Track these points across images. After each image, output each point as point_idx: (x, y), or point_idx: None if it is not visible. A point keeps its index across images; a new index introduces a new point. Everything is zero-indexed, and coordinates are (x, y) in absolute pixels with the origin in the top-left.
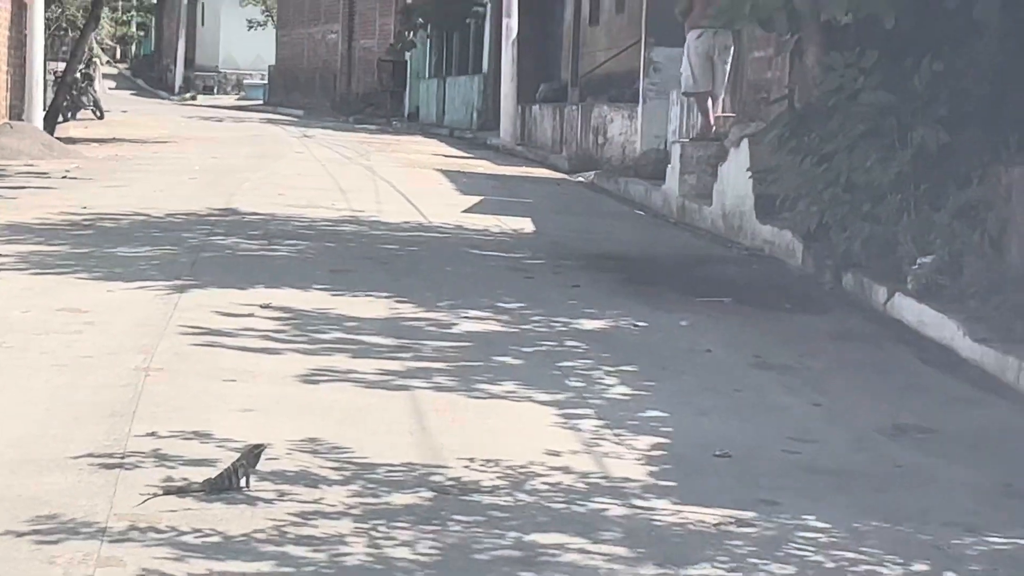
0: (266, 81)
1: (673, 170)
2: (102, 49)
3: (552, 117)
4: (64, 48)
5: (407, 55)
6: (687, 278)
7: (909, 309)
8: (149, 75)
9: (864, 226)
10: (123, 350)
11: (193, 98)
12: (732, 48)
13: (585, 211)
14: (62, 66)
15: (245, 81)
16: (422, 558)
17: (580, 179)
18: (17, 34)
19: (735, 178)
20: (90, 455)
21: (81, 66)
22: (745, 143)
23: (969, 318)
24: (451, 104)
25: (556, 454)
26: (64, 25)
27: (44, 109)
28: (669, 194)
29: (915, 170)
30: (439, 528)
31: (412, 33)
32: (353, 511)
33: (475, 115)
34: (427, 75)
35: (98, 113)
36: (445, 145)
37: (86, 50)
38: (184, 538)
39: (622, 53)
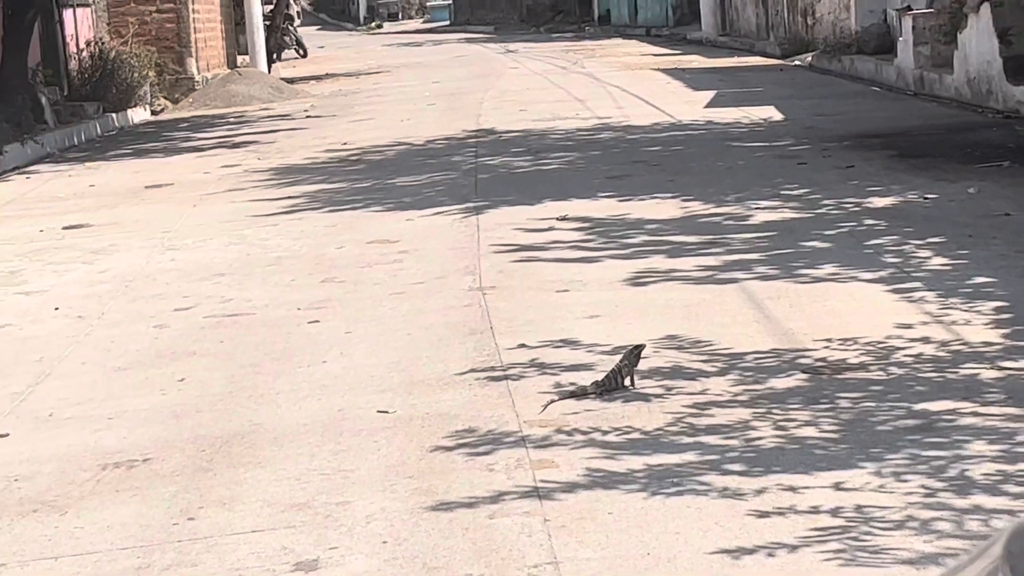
0: (450, 1)
1: (905, 43)
2: None
3: (755, 4)
4: None
5: None
6: (954, 146)
7: None
8: (331, 8)
9: None
10: (448, 273)
11: (379, 26)
12: None
13: (821, 94)
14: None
15: (428, 3)
16: (829, 435)
17: (797, 63)
18: None
19: (978, 43)
20: (472, 371)
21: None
22: (986, 7)
23: None
24: (643, 3)
25: (908, 326)
26: None
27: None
28: (903, 67)
29: None
30: (831, 406)
31: None
32: (741, 398)
33: (671, 11)
34: None
35: (301, 52)
36: (648, 45)
37: None
38: (604, 437)
39: None
